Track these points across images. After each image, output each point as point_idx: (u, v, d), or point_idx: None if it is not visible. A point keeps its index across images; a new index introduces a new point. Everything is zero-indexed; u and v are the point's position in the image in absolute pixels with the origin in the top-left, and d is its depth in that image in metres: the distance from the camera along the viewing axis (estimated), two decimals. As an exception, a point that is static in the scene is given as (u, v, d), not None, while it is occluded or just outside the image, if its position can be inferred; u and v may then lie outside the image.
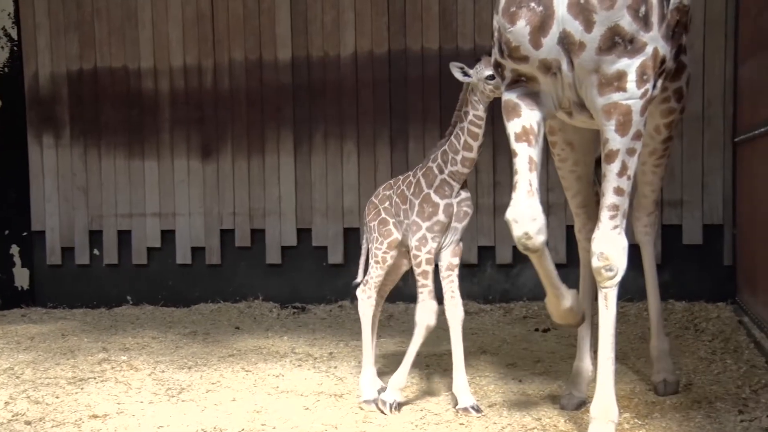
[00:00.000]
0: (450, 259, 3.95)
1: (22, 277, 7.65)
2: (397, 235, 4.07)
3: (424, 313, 3.88)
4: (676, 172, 6.32)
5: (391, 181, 4.22)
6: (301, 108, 7.10)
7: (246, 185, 7.22)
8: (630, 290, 5.76)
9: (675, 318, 5.85)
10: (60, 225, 7.60)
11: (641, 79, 3.04)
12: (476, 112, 3.79)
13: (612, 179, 3.13)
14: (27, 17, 7.58)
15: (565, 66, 3.12)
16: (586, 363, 3.96)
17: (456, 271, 3.95)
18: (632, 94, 3.05)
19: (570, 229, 6.24)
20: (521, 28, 3.10)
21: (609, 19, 2.98)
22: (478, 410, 3.84)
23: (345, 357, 5.14)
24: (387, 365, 4.82)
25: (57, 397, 4.31)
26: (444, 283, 3.94)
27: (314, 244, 7.12)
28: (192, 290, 7.31)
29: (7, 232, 7.58)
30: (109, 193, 7.49)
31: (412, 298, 6.68)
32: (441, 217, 3.88)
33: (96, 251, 7.56)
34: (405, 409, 3.95)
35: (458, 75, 3.78)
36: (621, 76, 3.04)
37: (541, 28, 3.07)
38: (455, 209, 3.91)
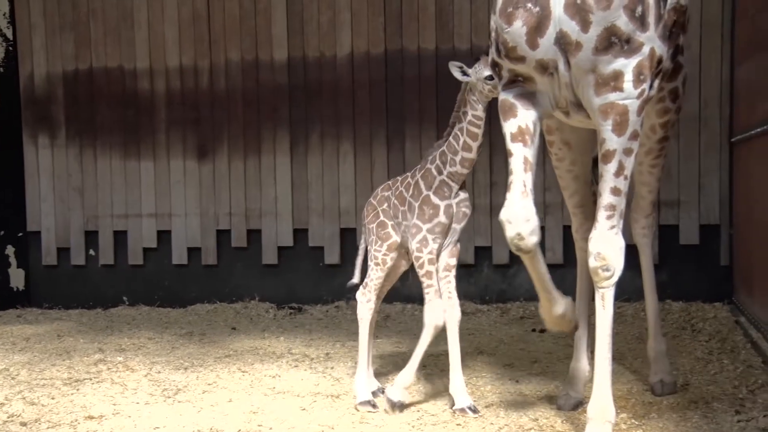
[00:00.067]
0: (447, 259, 3.94)
1: (17, 278, 7.63)
2: (396, 238, 4.06)
3: (432, 312, 3.86)
4: (673, 172, 6.32)
5: (390, 182, 4.20)
6: (297, 108, 7.09)
7: (242, 185, 7.21)
8: (627, 290, 5.78)
9: (672, 318, 5.85)
10: (56, 225, 7.58)
11: (638, 79, 3.05)
12: (475, 112, 3.78)
13: (609, 179, 3.13)
14: (22, 17, 7.56)
15: (561, 66, 3.13)
16: (583, 363, 3.96)
17: (453, 272, 3.95)
18: (629, 94, 3.06)
19: (567, 229, 6.27)
20: (518, 28, 3.11)
21: (605, 19, 2.98)
22: (475, 411, 3.83)
23: (341, 358, 5.13)
24: (384, 366, 4.82)
25: (53, 398, 4.30)
26: (441, 284, 3.93)
27: (311, 245, 7.11)
28: (188, 291, 7.30)
29: (2, 232, 7.55)
30: (104, 194, 7.48)
31: (408, 299, 6.75)
32: (442, 218, 3.87)
33: (92, 252, 7.54)
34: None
35: (457, 74, 3.77)
36: (618, 76, 3.05)
37: (537, 28, 3.07)
38: (454, 210, 3.90)
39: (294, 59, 7.07)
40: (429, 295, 3.87)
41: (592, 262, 3.18)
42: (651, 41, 3.06)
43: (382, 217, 4.10)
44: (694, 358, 4.70)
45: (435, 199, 3.88)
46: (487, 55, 3.51)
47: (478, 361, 4.92)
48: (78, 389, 4.48)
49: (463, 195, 3.93)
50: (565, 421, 3.68)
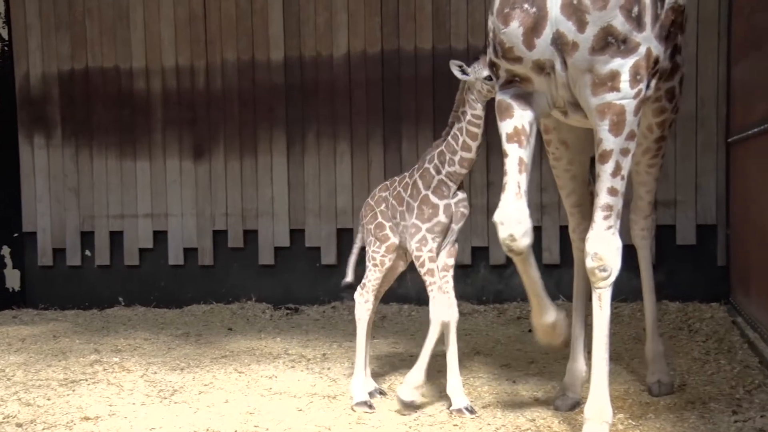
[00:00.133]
0: (445, 259, 3.93)
1: (13, 279, 7.61)
2: (394, 240, 4.05)
3: (437, 308, 3.85)
4: (669, 172, 6.31)
5: (387, 183, 4.20)
6: (293, 108, 7.08)
7: (238, 186, 7.20)
8: (624, 291, 5.79)
9: (669, 318, 5.85)
10: (51, 226, 7.56)
11: (634, 79, 3.05)
12: (474, 112, 3.78)
13: (606, 179, 3.13)
14: (18, 17, 7.53)
15: (558, 66, 3.13)
16: (580, 364, 3.95)
17: (451, 272, 3.94)
18: (625, 94, 3.06)
19: (564, 229, 6.26)
20: (514, 29, 3.11)
21: (602, 19, 2.98)
22: (471, 411, 3.83)
23: (338, 358, 5.12)
24: (381, 366, 4.81)
25: (48, 399, 4.29)
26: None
27: (307, 245, 7.10)
28: (184, 291, 7.28)
29: (-2, 233, 7.55)
30: (100, 194, 7.46)
31: (405, 299, 6.75)
32: (441, 217, 3.86)
33: (88, 252, 7.52)
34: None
35: (457, 73, 3.76)
36: (614, 76, 3.05)
37: (534, 29, 3.08)
38: (453, 210, 3.90)
39: (290, 59, 7.06)
40: (432, 292, 3.86)
41: (589, 263, 3.18)
42: (647, 41, 3.06)
43: (380, 218, 4.09)
44: (691, 359, 4.70)
45: (434, 199, 3.87)
46: (485, 54, 3.51)
47: (475, 361, 4.92)
48: (74, 390, 4.47)
49: (461, 195, 3.92)
50: (562, 422, 3.67)
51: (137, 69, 7.33)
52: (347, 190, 7.00)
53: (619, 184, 3.14)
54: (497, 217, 3.22)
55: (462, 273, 6.65)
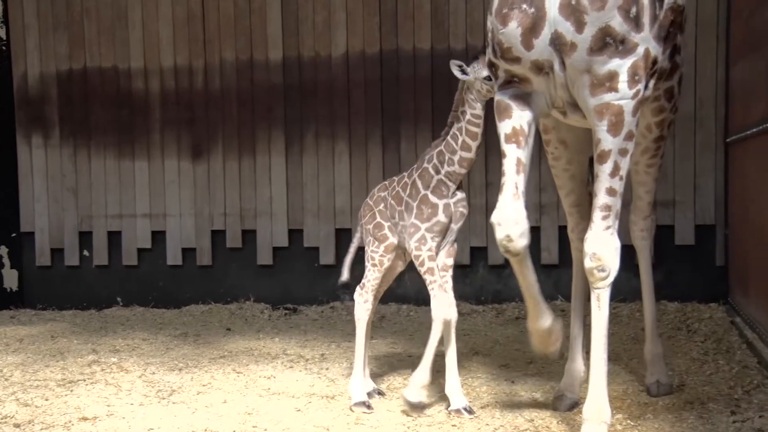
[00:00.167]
0: (444, 259, 3.93)
1: (11, 279, 7.60)
2: (393, 240, 4.05)
3: (439, 307, 3.84)
4: (668, 172, 6.32)
5: (386, 182, 4.20)
6: (292, 108, 7.08)
7: (237, 186, 7.20)
8: (623, 291, 5.79)
9: (667, 319, 5.85)
10: (49, 226, 7.55)
11: (633, 80, 3.05)
12: (474, 111, 3.77)
13: (604, 180, 3.14)
14: (16, 17, 7.53)
15: (557, 66, 3.13)
16: (579, 364, 3.95)
17: (450, 272, 3.93)
18: (624, 95, 3.06)
19: (562, 229, 6.25)
20: (513, 29, 3.11)
21: (600, 19, 2.99)
22: (470, 411, 3.83)
23: (337, 358, 5.12)
24: (379, 366, 4.81)
25: (46, 400, 4.28)
26: (438, 285, 3.92)
27: (306, 245, 7.10)
28: (183, 291, 7.28)
29: (-5, 233, 7.55)
30: (98, 194, 7.45)
31: (404, 299, 6.75)
32: (441, 217, 3.86)
33: (86, 252, 7.52)
34: (397, 411, 3.94)
35: (457, 72, 3.76)
36: (613, 76, 3.05)
37: (532, 29, 3.08)
38: (452, 209, 3.89)
39: (289, 59, 7.05)
40: (433, 291, 3.85)
41: (588, 263, 3.18)
42: (646, 42, 3.06)
43: (378, 218, 4.08)
44: (689, 359, 4.70)
45: (433, 198, 3.87)
46: (485, 54, 3.51)
47: (474, 361, 4.92)
48: (72, 390, 4.46)
49: (460, 195, 3.92)
50: (561, 422, 3.67)
51: (135, 69, 7.32)
52: (346, 190, 7.00)
53: (618, 185, 3.14)
54: (495, 217, 3.22)
55: (461, 273, 6.64)
